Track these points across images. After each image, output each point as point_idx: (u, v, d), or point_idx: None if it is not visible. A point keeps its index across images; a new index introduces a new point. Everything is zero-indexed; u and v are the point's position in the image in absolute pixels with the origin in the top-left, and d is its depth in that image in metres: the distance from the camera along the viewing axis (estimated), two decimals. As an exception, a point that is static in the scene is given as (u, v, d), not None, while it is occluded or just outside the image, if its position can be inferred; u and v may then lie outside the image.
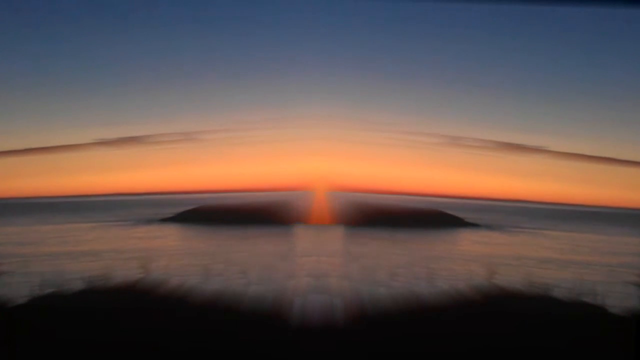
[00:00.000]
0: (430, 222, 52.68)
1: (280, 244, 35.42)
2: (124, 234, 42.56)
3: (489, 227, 56.46)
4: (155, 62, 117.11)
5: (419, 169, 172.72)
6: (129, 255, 27.43)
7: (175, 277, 20.35)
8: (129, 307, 14.95)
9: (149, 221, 54.08)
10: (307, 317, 14.82)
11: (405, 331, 13.19)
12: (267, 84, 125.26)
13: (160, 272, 21.83)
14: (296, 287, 19.38)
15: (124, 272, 21.61)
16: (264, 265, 25.28)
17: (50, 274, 19.56)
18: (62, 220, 60.08)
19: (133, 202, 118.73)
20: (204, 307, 15.54)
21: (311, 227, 49.04)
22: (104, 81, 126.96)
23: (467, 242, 41.77)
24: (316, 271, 23.04)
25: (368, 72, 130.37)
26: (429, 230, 47.15)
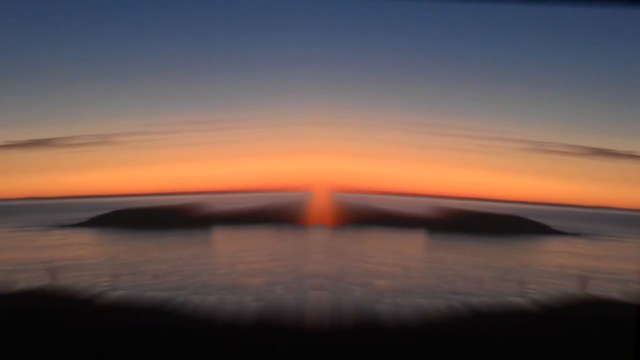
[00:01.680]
0: (511, 229, 51.04)
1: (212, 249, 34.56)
2: (33, 240, 39.44)
3: (576, 235, 54.25)
4: (69, 61, 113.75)
5: (500, 174, 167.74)
6: (36, 265, 25.28)
7: (79, 285, 19.82)
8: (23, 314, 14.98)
9: (62, 226, 50.91)
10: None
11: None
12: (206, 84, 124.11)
13: (66, 280, 21.02)
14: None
15: (26, 281, 20.64)
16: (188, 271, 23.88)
17: None
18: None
19: (45, 206, 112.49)
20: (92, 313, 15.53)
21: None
22: (12, 81, 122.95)
23: (552, 251, 40.42)
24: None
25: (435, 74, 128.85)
26: (510, 238, 45.62)
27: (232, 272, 23.64)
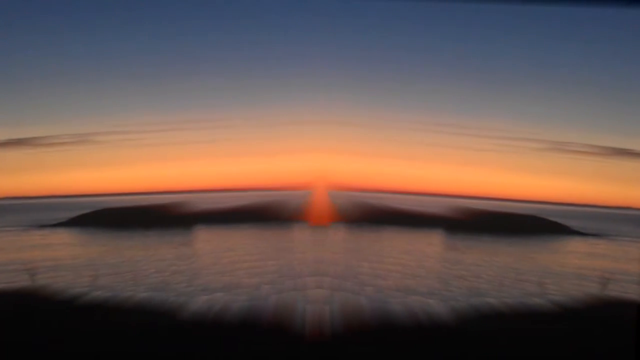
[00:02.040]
0: (530, 229, 50.43)
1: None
2: (12, 241, 38.43)
3: (596, 235, 53.36)
4: (48, 59, 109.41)
5: (519, 174, 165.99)
6: (16, 266, 24.54)
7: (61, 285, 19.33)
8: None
9: (42, 226, 49.06)
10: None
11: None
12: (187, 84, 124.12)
13: (47, 280, 20.51)
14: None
15: (6, 282, 20.22)
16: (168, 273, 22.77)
17: None
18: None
19: (25, 206, 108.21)
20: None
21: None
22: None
23: (571, 251, 39.83)
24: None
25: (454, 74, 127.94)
26: (529, 238, 45.08)
27: (231, 272, 22.99)
